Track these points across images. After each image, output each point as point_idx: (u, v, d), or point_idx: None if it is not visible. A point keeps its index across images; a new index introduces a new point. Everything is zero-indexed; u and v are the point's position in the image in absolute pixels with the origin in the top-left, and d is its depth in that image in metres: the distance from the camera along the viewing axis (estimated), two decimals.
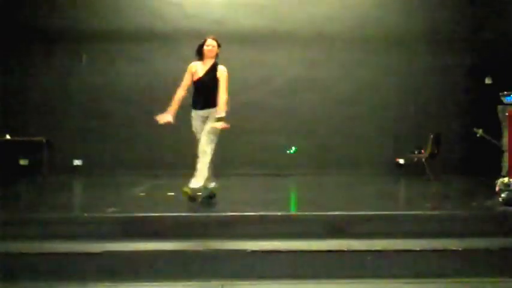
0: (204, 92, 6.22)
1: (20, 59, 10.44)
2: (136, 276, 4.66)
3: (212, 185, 6.43)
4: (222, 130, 6.17)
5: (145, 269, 4.73)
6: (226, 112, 6.19)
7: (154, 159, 10.36)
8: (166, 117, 6.28)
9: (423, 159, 9.38)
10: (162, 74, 10.33)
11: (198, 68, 6.27)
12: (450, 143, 10.12)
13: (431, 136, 9.40)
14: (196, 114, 6.30)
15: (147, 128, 10.34)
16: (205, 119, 6.23)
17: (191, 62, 6.37)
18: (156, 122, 6.35)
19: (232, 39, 10.05)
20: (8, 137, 10.07)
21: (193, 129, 6.35)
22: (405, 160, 10.34)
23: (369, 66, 10.65)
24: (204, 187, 6.25)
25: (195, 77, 6.25)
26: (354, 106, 10.58)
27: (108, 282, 4.57)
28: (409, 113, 10.59)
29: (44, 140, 10.13)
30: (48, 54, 10.49)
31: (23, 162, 10.33)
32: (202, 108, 6.23)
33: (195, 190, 6.05)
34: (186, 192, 5.99)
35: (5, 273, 4.61)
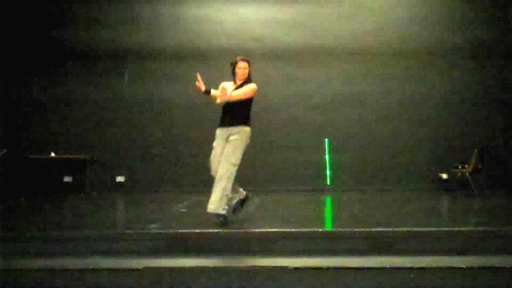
0: (230, 111, 6.09)
1: (62, 78, 10.70)
2: None
3: (239, 195, 6.31)
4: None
5: (186, 285, 4.73)
6: (252, 129, 6.12)
7: (196, 176, 10.40)
8: (202, 85, 6.27)
9: (467, 174, 9.19)
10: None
11: (229, 87, 6.14)
12: (495, 158, 9.89)
13: (476, 151, 9.20)
14: (219, 132, 6.15)
15: (188, 144, 10.48)
16: (226, 139, 6.09)
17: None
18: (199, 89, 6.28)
19: (272, 56, 10.12)
20: (52, 154, 10.27)
21: (214, 144, 6.18)
22: (448, 175, 10.16)
23: (410, 80, 10.55)
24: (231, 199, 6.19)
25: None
26: (395, 121, 10.47)
27: None
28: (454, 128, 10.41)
29: (88, 158, 10.31)
30: (91, 73, 10.72)
31: (67, 179, 10.53)
32: (226, 125, 6.08)
33: (214, 215, 5.92)
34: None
35: None
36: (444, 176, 10.31)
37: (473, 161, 9.20)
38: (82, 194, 10.10)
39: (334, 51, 10.64)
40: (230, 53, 10.42)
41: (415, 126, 10.52)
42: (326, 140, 10.47)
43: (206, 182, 10.12)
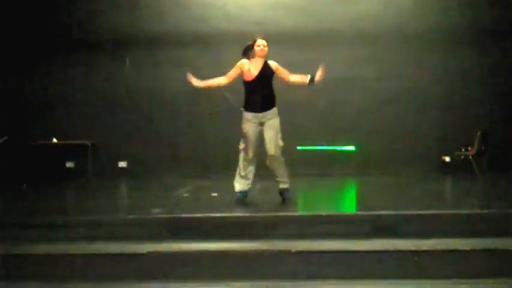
0: (261, 92, 6.09)
1: (64, 64, 10.65)
2: (181, 276, 4.68)
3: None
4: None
5: (189, 269, 4.74)
6: None
7: (198, 161, 10.42)
8: (193, 80, 6.35)
9: (470, 157, 9.17)
10: (204, 76, 10.35)
11: (251, 67, 6.10)
12: (498, 141, 9.86)
13: (479, 133, 9.18)
14: (252, 117, 6.10)
15: (190, 130, 10.48)
16: (260, 123, 6.11)
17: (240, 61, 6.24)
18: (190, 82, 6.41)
19: (274, 40, 9.90)
20: (54, 140, 10.27)
21: (245, 131, 6.14)
22: (451, 158, 10.15)
23: (413, 64, 10.48)
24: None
25: (249, 77, 6.07)
26: (397, 105, 10.42)
27: (155, 283, 4.60)
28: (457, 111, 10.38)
29: (90, 143, 10.31)
30: (93, 59, 10.67)
31: (69, 165, 10.54)
32: (261, 110, 6.08)
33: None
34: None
35: (51, 274, 4.69)
36: (447, 159, 10.30)
37: (476, 143, 9.17)
38: (84, 179, 10.10)
39: (336, 35, 10.56)
40: (231, 37, 10.42)
41: (417, 109, 10.47)
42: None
43: (208, 167, 10.26)
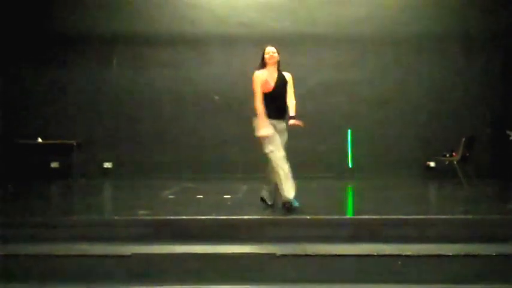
0: (278, 102, 6.10)
1: (50, 63, 10.56)
2: (166, 279, 4.68)
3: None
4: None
5: (174, 271, 4.74)
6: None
7: (184, 163, 10.40)
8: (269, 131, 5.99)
9: (455, 162, 9.23)
10: (191, 77, 10.41)
11: (268, 78, 6.08)
12: (482, 146, 9.94)
13: (463, 139, 9.24)
14: (275, 123, 6.07)
15: (176, 131, 10.46)
16: (277, 130, 6.08)
17: (255, 71, 6.16)
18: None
19: (261, 43, 9.97)
20: (39, 140, 10.21)
21: (267, 134, 5.94)
22: (436, 163, 10.21)
23: (400, 68, 10.53)
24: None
25: (267, 88, 6.03)
26: (384, 108, 10.47)
27: (140, 285, 4.59)
28: (442, 116, 10.44)
29: (75, 143, 10.25)
30: (79, 59, 10.59)
31: (54, 165, 10.47)
32: (278, 118, 6.08)
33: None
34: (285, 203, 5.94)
35: (36, 275, 4.67)
36: (432, 164, 10.35)
37: (461, 149, 9.23)
38: (69, 179, 10.05)
39: (325, 38, 10.58)
40: (219, 38, 10.44)
41: (404, 114, 10.51)
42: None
43: (194, 169, 10.25)
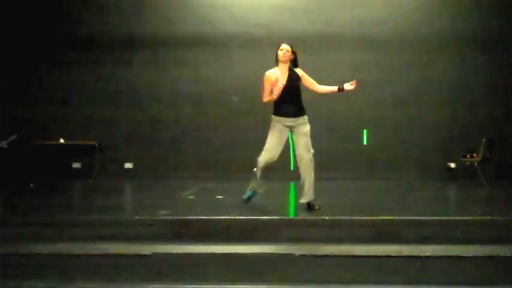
0: (291, 99, 6.10)
1: (71, 66, 10.67)
2: (185, 279, 4.71)
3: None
4: None
5: (193, 271, 4.78)
6: None
7: (204, 163, 10.45)
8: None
9: (475, 164, 9.17)
10: (210, 78, 10.46)
11: (278, 76, 6.09)
12: (504, 148, 9.86)
13: (484, 140, 9.18)
14: (283, 121, 6.10)
15: (196, 131, 10.52)
16: (290, 128, 6.14)
17: (266, 71, 6.20)
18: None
19: (279, 43, 10.08)
20: (61, 140, 10.32)
21: (274, 132, 6.11)
22: (456, 164, 10.15)
23: (418, 69, 10.48)
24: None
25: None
26: (403, 109, 10.42)
27: (159, 284, 4.63)
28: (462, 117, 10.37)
29: (96, 144, 10.35)
30: (99, 61, 10.70)
31: (75, 165, 10.59)
32: (292, 116, 6.10)
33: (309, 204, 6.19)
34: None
35: (56, 273, 4.73)
36: (452, 165, 10.30)
37: (481, 150, 9.17)
38: (90, 180, 10.15)
39: (342, 39, 10.57)
40: (237, 39, 10.48)
41: (423, 115, 10.46)
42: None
43: (213, 169, 10.29)
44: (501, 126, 10.22)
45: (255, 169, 6.24)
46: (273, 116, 6.16)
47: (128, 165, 10.65)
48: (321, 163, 10.21)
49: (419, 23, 10.50)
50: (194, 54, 10.65)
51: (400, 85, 10.46)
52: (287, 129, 6.14)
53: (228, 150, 10.29)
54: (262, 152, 6.13)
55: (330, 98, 10.07)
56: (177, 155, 10.55)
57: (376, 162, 10.41)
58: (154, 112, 10.68)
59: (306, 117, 6.21)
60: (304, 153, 6.11)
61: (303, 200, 6.18)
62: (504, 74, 10.39)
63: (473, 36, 10.44)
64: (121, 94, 10.69)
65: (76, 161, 10.60)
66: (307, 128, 6.18)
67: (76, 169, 10.56)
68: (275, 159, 6.13)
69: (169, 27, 10.70)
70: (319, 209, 6.07)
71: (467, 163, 9.53)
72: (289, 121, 6.11)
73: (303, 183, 6.16)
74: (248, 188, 6.33)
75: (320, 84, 6.42)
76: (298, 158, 6.17)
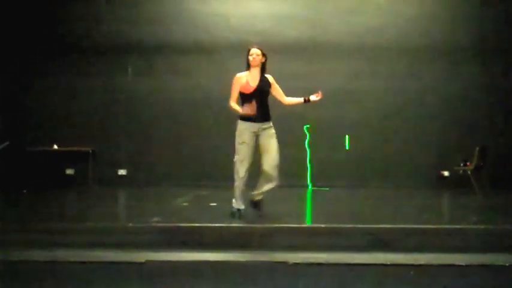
0: (261, 104, 6.02)
1: (66, 71, 10.68)
2: (178, 286, 4.69)
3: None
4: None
5: (187, 278, 4.76)
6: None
7: (198, 171, 10.44)
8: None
9: (469, 172, 9.19)
10: (206, 85, 10.47)
11: (249, 79, 6.07)
12: (497, 157, 9.89)
13: (478, 149, 9.20)
14: (250, 126, 6.03)
15: (190, 138, 10.51)
16: (255, 134, 6.07)
17: (237, 74, 6.18)
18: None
19: (276, 51, 10.05)
20: (55, 147, 10.30)
21: (244, 141, 6.04)
22: (450, 173, 10.17)
23: (414, 77, 10.53)
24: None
25: (248, 89, 6.02)
26: (397, 118, 10.47)
27: None
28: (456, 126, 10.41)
29: (90, 151, 10.34)
30: (94, 67, 10.71)
31: (69, 171, 10.57)
32: (260, 120, 6.03)
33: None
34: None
35: (49, 281, 4.71)
36: (446, 173, 10.33)
37: (475, 159, 9.20)
38: (84, 186, 10.12)
39: (339, 47, 10.62)
40: (234, 47, 10.46)
41: (417, 123, 10.51)
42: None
43: (207, 177, 10.27)
44: (495, 135, 10.25)
45: (233, 199, 6.26)
46: (240, 121, 6.08)
47: (122, 172, 10.64)
48: (315, 172, 10.38)
49: (415, 32, 10.56)
50: (190, 61, 10.68)
51: (395, 94, 10.51)
52: (253, 135, 6.07)
53: (223, 158, 10.21)
54: (238, 165, 6.09)
55: (326, 105, 10.20)
56: (172, 162, 10.55)
57: (371, 171, 10.41)
58: (149, 119, 10.68)
59: (270, 122, 6.15)
60: (277, 155, 6.09)
61: (259, 198, 6.24)
62: (499, 83, 10.43)
63: (469, 46, 10.50)
64: (116, 101, 10.70)
65: (70, 167, 10.58)
66: (273, 130, 6.14)
67: (70, 175, 10.53)
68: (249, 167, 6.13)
69: (166, 35, 10.72)
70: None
71: (461, 171, 9.55)
72: (257, 126, 6.04)
73: (268, 182, 6.13)
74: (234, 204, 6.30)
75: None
76: (270, 160, 6.07)
